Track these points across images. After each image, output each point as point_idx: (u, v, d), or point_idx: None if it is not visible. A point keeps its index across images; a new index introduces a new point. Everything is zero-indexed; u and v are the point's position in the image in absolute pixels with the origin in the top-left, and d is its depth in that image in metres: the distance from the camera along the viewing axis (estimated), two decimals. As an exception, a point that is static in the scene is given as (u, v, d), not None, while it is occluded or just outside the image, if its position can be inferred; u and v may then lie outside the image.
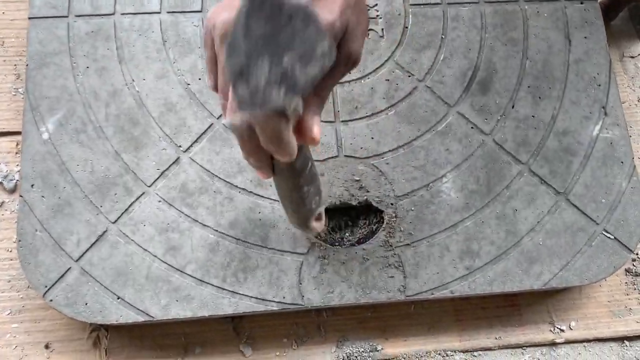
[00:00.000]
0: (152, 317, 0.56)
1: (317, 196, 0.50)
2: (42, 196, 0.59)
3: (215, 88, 0.42)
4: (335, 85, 0.42)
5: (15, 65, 0.70)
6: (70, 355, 0.61)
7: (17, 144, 0.67)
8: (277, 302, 0.58)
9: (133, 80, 0.63)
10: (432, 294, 0.59)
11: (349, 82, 0.65)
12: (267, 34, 0.33)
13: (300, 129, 0.39)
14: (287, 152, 0.39)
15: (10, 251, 0.63)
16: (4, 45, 0.70)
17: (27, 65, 0.63)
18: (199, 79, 0.64)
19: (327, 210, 0.61)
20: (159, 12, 0.66)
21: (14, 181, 0.66)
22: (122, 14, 0.65)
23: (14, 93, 0.69)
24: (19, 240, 0.58)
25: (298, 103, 0.35)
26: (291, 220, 0.53)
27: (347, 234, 0.62)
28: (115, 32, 0.65)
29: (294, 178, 0.45)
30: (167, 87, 0.63)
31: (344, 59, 0.39)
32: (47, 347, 0.61)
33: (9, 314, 0.61)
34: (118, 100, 0.62)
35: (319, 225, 0.53)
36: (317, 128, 0.39)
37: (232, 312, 0.57)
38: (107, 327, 0.61)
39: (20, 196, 0.59)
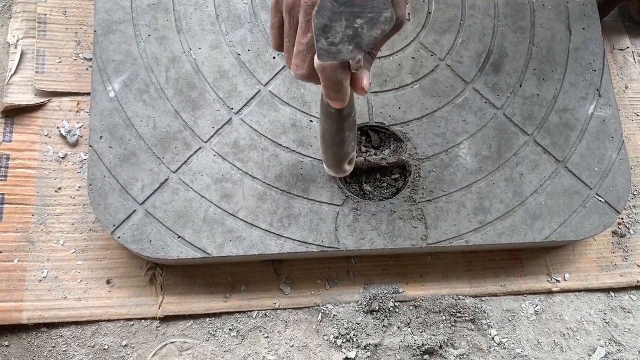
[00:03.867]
0: (209, 254, 0.64)
1: (353, 141, 0.60)
2: (110, 146, 0.66)
3: (279, 47, 0.52)
4: (383, 45, 0.52)
5: (76, 32, 0.77)
6: (128, 290, 0.68)
7: (78, 104, 0.74)
8: (317, 245, 0.66)
9: (190, 48, 0.71)
10: (450, 242, 0.68)
11: (379, 58, 0.74)
12: (347, 1, 0.42)
13: (353, 80, 0.49)
14: (342, 98, 0.49)
15: (74, 198, 0.71)
16: (66, 14, 0.77)
17: (95, 31, 0.70)
18: (248, 50, 0.72)
19: (362, 169, 0.70)
20: (212, -10, 0.74)
21: (76, 136, 0.73)
22: (180, -11, 0.73)
23: (74, 58, 0.76)
24: (90, 185, 0.65)
25: (360, 58, 0.46)
26: (328, 163, 0.64)
27: (377, 190, 0.71)
28: (173, 5, 0.72)
29: (340, 122, 0.56)
30: (220, 56, 0.71)
31: None
32: (108, 282, 0.68)
33: (73, 253, 0.69)
34: (177, 65, 0.70)
35: (349, 168, 0.64)
36: (366, 80, 0.49)
37: (277, 252, 0.65)
38: (162, 266, 0.69)
39: (90, 146, 0.66)
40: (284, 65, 0.72)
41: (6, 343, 0.65)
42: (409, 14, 0.77)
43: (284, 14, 0.49)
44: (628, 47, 0.88)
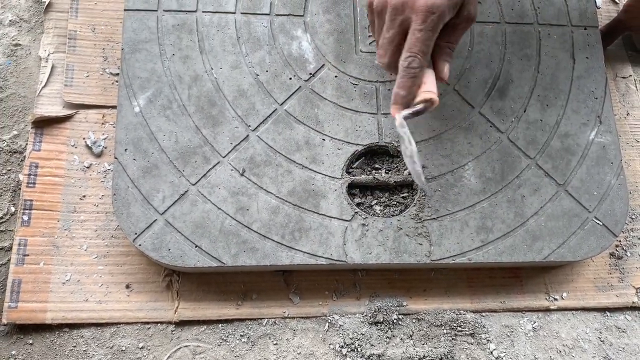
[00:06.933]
0: (224, 263, 0.68)
1: None
2: (134, 159, 0.70)
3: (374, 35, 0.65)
4: (460, 39, 0.63)
5: (103, 49, 0.81)
6: (147, 295, 0.72)
7: (103, 116, 0.78)
8: (326, 258, 0.70)
9: (212, 68, 0.75)
10: (453, 260, 0.71)
11: (390, 81, 0.78)
12: None
13: (436, 70, 0.62)
14: (407, 97, 0.63)
15: (97, 206, 0.75)
16: (95, 31, 0.81)
17: (122, 49, 0.74)
18: (266, 71, 0.76)
19: (370, 187, 0.74)
20: (234, 13, 0.78)
21: (101, 147, 0.77)
22: (203, 11, 0.77)
23: (101, 72, 0.80)
24: (114, 194, 0.69)
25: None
26: None
27: (384, 208, 0.74)
28: (197, 27, 0.77)
29: None
30: (239, 76, 0.75)
31: (464, 18, 0.60)
32: (127, 286, 0.72)
33: (95, 258, 0.72)
34: (199, 84, 0.74)
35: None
36: (447, 70, 0.62)
37: (288, 263, 0.69)
38: (179, 273, 0.73)
39: (115, 158, 0.70)
40: (300, 86, 0.76)
41: (30, 341, 0.69)
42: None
43: (375, 15, 0.62)
44: (630, 75, 0.92)
